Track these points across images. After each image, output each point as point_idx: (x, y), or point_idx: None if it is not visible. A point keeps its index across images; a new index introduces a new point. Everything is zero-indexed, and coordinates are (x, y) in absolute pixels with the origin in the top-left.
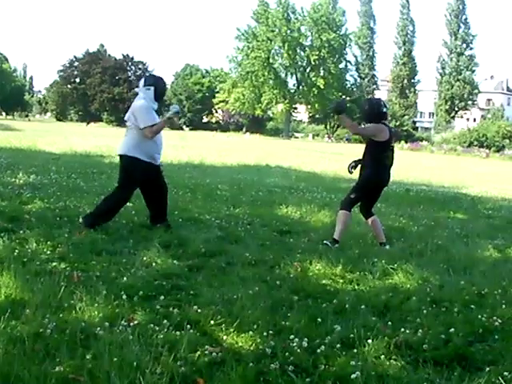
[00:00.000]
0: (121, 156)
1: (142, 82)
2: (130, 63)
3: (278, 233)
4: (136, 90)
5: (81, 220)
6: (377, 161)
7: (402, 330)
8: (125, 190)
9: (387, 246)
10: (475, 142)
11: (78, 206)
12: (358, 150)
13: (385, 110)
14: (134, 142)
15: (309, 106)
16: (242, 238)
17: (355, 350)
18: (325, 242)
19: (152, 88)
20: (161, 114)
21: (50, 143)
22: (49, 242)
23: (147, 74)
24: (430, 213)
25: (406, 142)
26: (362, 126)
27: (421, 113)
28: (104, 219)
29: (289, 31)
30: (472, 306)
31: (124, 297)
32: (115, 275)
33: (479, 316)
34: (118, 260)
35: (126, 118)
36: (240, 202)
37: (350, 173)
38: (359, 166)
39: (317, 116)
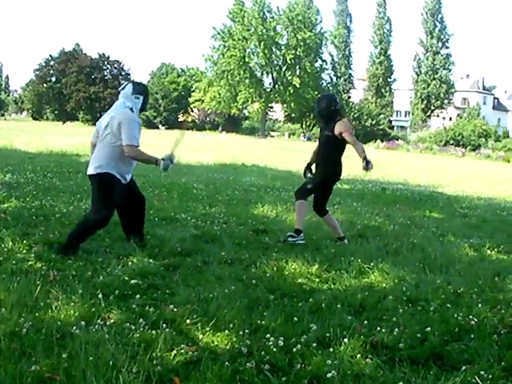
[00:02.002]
0: (94, 175)
1: (129, 88)
2: (105, 62)
3: (254, 232)
4: (121, 96)
5: (57, 253)
6: (338, 156)
7: (378, 329)
8: (105, 211)
9: (345, 241)
10: (451, 141)
11: (54, 205)
12: None
13: (338, 106)
14: (109, 158)
15: (285, 105)
16: (218, 237)
17: (331, 349)
18: (288, 234)
19: (141, 97)
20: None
21: (26, 142)
22: (25, 241)
23: (134, 80)
24: (406, 212)
25: (382, 141)
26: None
27: (397, 112)
28: (77, 242)
29: (265, 30)
30: (448, 305)
31: (100, 296)
32: (91, 274)
33: (455, 315)
34: (94, 259)
35: (105, 125)
36: (216, 201)
37: (306, 177)
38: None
39: (292, 115)
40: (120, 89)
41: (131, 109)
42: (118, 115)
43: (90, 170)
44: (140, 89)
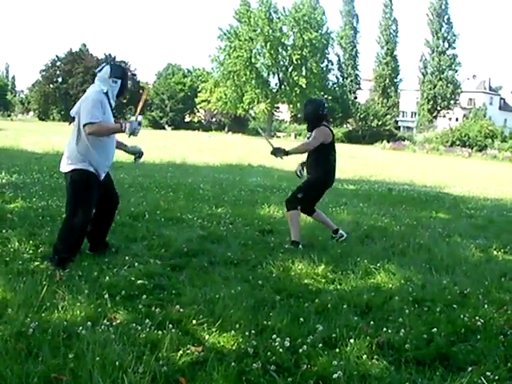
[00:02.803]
0: (67, 172)
1: (106, 70)
2: (112, 63)
3: (260, 232)
4: (97, 79)
5: (49, 263)
6: (324, 162)
7: (385, 329)
8: (81, 211)
9: (341, 231)
10: (457, 142)
11: (61, 206)
12: None
13: (325, 111)
14: (83, 150)
15: (291, 106)
16: (224, 237)
17: (337, 350)
18: (286, 246)
19: (119, 82)
20: (118, 114)
21: (33, 143)
22: (31, 242)
23: (112, 63)
24: (413, 212)
25: (389, 142)
26: (306, 140)
27: (403, 112)
28: (73, 252)
29: (271, 31)
30: (454, 306)
31: (106, 296)
32: (97, 275)
33: (461, 316)
34: (101, 259)
35: (75, 112)
36: (222, 202)
37: (300, 177)
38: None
39: (299, 115)
40: (97, 71)
41: (106, 94)
42: (82, 99)
43: (63, 167)
44: (118, 72)
